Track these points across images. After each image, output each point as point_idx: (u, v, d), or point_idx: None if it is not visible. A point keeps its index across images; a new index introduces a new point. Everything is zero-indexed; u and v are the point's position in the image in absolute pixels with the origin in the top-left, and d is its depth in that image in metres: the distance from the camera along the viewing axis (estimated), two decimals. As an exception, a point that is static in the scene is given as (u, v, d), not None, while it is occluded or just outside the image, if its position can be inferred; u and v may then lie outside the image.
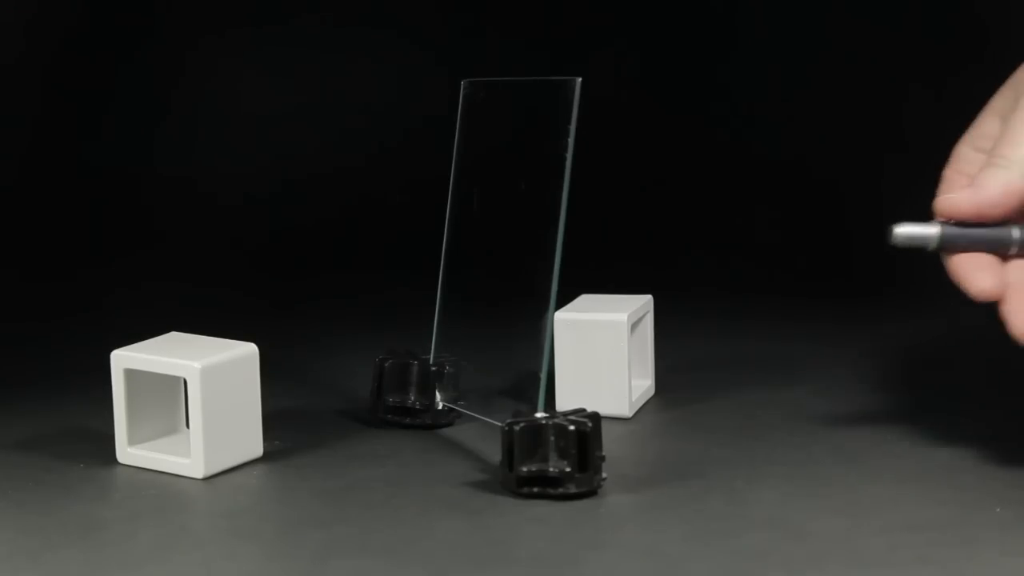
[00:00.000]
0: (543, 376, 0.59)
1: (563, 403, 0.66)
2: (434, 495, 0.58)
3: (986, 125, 0.62)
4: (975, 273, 0.58)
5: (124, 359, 0.61)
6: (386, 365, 0.67)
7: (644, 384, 0.70)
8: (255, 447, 0.62)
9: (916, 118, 0.99)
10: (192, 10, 1.10)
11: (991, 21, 0.96)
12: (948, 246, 0.58)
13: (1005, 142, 0.59)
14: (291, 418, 0.68)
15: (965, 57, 0.96)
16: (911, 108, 1.01)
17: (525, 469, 0.57)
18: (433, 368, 0.66)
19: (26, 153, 1.03)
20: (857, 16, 1.03)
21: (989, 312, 0.83)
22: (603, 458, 0.57)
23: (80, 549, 0.53)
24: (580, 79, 0.59)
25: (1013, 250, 0.58)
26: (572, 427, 0.56)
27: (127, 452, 0.62)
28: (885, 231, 0.58)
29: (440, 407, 0.66)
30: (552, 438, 0.56)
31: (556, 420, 0.56)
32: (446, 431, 0.66)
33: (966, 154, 0.62)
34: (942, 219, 0.59)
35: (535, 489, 0.57)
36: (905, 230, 0.58)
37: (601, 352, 0.67)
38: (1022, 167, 0.58)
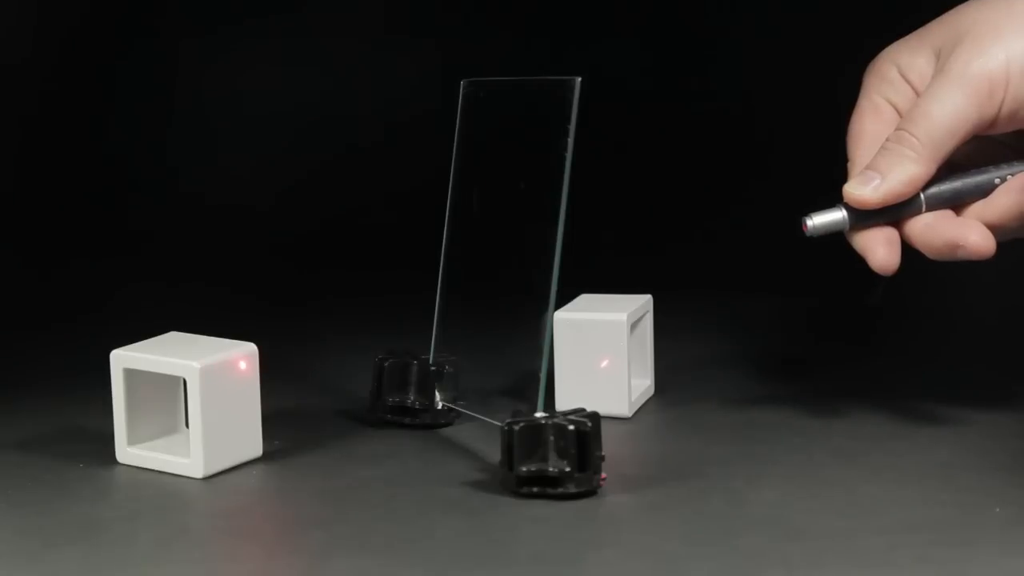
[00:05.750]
0: (543, 376, 0.59)
1: (563, 403, 0.66)
2: (434, 495, 0.58)
3: (918, 55, 0.63)
4: (877, 248, 0.60)
5: (124, 359, 0.61)
6: (386, 365, 0.67)
7: (644, 384, 0.70)
8: (255, 447, 0.62)
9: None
10: (191, 9, 1.10)
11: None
12: (856, 225, 0.61)
13: (918, 117, 0.60)
14: (291, 418, 0.68)
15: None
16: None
17: (525, 469, 0.56)
18: (433, 368, 0.66)
19: (26, 153, 1.03)
20: (858, 8, 1.03)
21: (992, 313, 0.83)
22: (603, 458, 0.57)
23: (80, 549, 0.53)
24: (580, 79, 0.59)
25: (915, 214, 0.61)
26: (571, 427, 0.56)
27: (127, 452, 0.62)
28: (798, 225, 0.61)
29: (440, 407, 0.66)
30: (551, 438, 0.56)
31: (555, 420, 0.56)
32: (446, 431, 0.66)
33: (887, 75, 0.63)
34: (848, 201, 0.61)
35: (535, 489, 0.57)
36: (820, 221, 0.61)
37: (601, 352, 0.67)
38: (929, 154, 0.60)
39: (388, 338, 0.71)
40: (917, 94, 0.62)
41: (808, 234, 0.61)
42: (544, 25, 1.12)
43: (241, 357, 0.61)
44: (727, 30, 1.10)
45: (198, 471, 0.60)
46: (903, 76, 0.63)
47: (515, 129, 0.64)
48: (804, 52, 1.06)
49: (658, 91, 1.11)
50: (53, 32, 1.04)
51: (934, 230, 0.60)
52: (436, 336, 0.67)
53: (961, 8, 0.63)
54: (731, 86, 1.10)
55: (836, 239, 0.62)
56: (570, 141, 0.59)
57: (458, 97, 0.65)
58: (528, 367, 0.60)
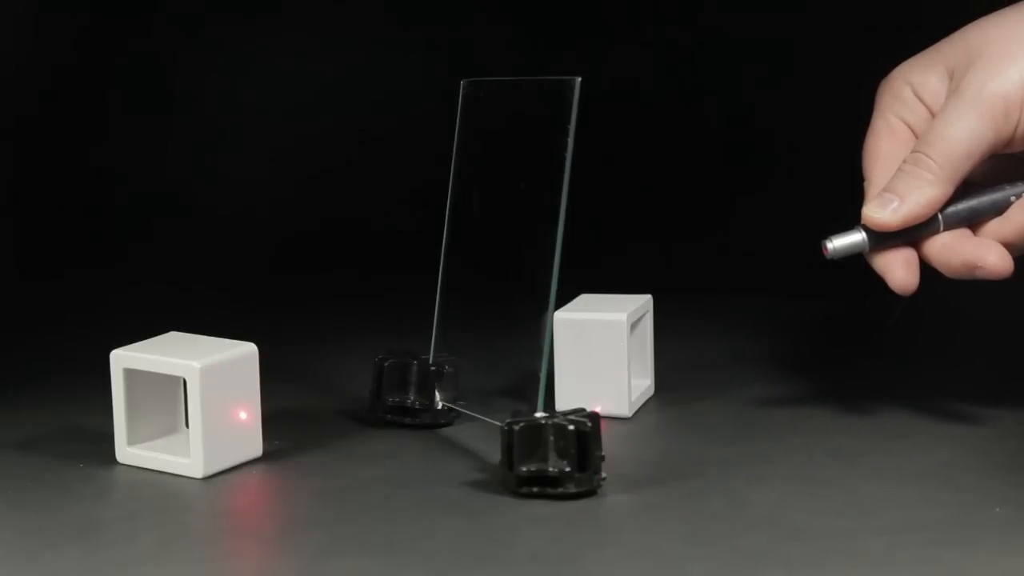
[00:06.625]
0: (543, 376, 0.59)
1: (563, 403, 0.66)
2: (434, 495, 0.58)
3: (930, 74, 0.63)
4: (896, 270, 0.61)
5: (124, 359, 0.61)
6: (386, 365, 0.67)
7: (644, 384, 0.70)
8: (255, 447, 0.62)
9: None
10: (191, 11, 1.10)
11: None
12: (875, 247, 0.62)
13: (934, 140, 0.60)
14: (291, 418, 0.68)
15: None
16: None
17: (525, 469, 0.56)
18: (433, 368, 0.66)
19: (26, 153, 1.03)
20: (862, 11, 1.03)
21: (992, 313, 0.83)
22: (603, 458, 0.57)
23: (80, 549, 0.53)
24: (580, 79, 0.59)
25: (932, 234, 0.62)
26: (571, 427, 0.56)
27: (127, 452, 0.62)
28: (819, 248, 0.62)
29: (440, 407, 0.66)
30: (551, 438, 0.56)
31: (555, 420, 0.56)
32: (446, 431, 0.66)
33: (900, 94, 0.63)
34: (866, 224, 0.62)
35: (535, 489, 0.57)
36: (840, 243, 0.62)
37: (601, 352, 0.67)
38: (946, 177, 0.60)
39: (388, 338, 0.71)
40: (931, 113, 0.62)
41: (829, 257, 0.62)
42: (544, 25, 1.12)
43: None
44: (726, 30, 1.10)
45: (198, 471, 0.60)
46: (916, 95, 0.63)
47: (515, 129, 0.64)
48: (800, 51, 1.06)
49: (657, 91, 1.11)
50: (53, 34, 1.04)
51: (952, 250, 0.61)
52: (436, 336, 0.67)
53: (972, 26, 0.62)
54: (730, 87, 1.10)
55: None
56: (570, 141, 0.59)
57: (458, 97, 0.65)
58: (528, 367, 0.60)
